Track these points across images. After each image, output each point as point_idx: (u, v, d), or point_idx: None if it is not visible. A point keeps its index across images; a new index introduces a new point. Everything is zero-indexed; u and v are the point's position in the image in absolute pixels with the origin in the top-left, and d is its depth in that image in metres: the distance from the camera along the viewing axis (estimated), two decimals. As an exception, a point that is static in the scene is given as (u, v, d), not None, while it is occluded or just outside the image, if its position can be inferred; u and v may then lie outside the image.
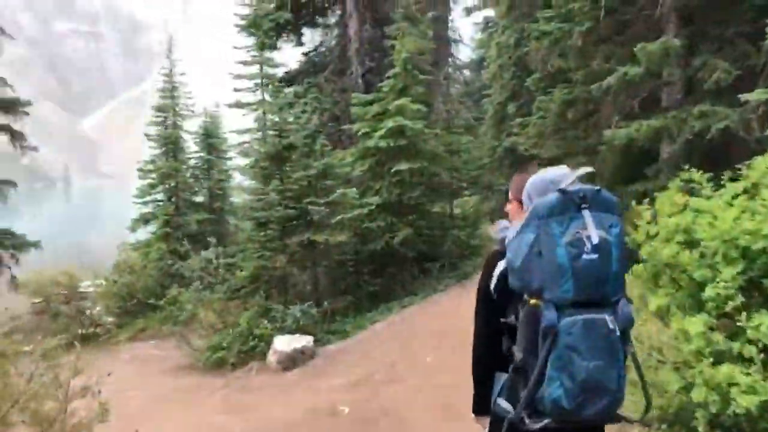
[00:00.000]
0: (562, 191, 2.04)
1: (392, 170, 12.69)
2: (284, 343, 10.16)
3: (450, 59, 24.62)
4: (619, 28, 11.80)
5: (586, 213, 2.00)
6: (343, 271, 12.95)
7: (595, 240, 1.95)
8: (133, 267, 17.52)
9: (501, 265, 2.26)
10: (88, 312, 15.92)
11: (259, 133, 13.18)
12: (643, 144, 9.86)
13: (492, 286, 2.30)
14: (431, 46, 19.36)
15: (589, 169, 2.21)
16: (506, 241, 2.21)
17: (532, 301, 2.01)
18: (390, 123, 12.48)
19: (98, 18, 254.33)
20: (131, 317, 16.55)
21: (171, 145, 18.80)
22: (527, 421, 2.05)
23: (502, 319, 2.25)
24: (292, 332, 10.63)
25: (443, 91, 21.08)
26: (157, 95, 19.37)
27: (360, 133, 13.13)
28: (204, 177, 19.20)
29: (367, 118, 13.15)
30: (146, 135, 18.77)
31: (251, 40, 15.86)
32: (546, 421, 2.01)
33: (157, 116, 18.91)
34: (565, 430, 2.07)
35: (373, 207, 12.34)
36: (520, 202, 2.49)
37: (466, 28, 32.99)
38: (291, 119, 13.13)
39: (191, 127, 19.74)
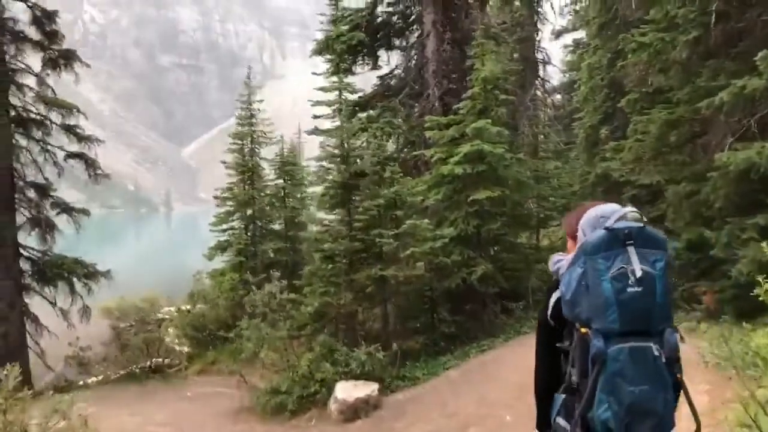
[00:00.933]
0: (608, 229, 2.15)
1: (470, 199, 11.61)
2: (346, 391, 9.23)
3: (537, 82, 23.39)
4: (732, 37, 10.33)
5: (630, 249, 2.11)
6: (415, 309, 11.89)
7: (638, 273, 2.06)
8: (206, 296, 17.22)
9: (555, 295, 2.37)
10: (159, 342, 15.63)
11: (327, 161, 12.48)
12: (765, 169, 8.36)
13: (549, 313, 2.41)
14: (516, 68, 18.29)
15: (634, 209, 2.25)
16: (559, 273, 2.36)
17: (583, 330, 2.15)
18: (467, 147, 11.44)
19: (199, 52, 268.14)
20: (203, 348, 16.18)
21: (248, 172, 18.54)
22: None
23: (558, 344, 2.39)
24: (356, 377, 9.69)
25: (530, 114, 19.91)
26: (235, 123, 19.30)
27: (435, 158, 12.15)
28: (281, 205, 18.79)
29: (443, 143, 12.17)
30: (223, 162, 18.63)
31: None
32: None
33: (235, 143, 18.74)
34: None
35: (448, 240, 11.27)
36: (574, 239, 2.56)
37: (556, 51, 31.85)
38: (364, 145, 12.42)
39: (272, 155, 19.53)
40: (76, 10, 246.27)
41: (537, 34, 23.28)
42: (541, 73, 23.77)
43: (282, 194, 18.61)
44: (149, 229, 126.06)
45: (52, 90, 14.01)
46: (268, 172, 19.21)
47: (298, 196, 20.82)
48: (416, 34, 15.94)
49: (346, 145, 11.29)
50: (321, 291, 10.45)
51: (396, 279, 10.76)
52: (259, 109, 19.32)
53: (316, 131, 16.56)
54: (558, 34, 31.90)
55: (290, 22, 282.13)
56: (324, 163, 12.00)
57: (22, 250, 13.69)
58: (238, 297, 15.72)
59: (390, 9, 15.85)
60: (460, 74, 14.91)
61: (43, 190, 14.18)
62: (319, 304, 10.43)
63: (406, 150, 14.76)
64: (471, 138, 11.71)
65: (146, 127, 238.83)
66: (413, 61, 15.46)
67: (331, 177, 11.22)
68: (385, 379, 9.87)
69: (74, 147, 14.13)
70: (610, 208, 2.34)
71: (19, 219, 13.81)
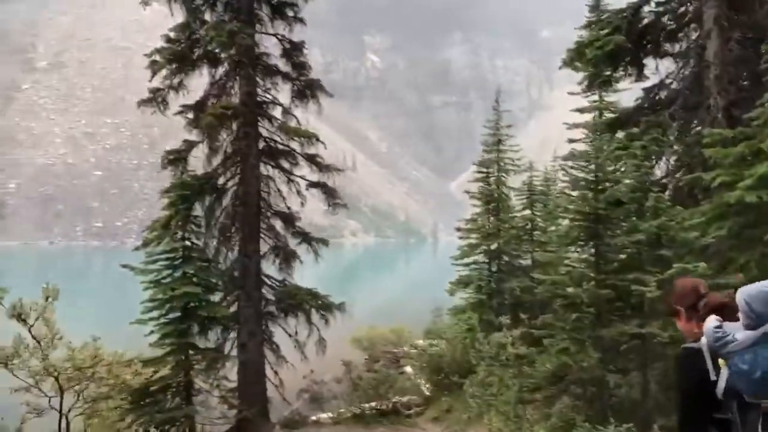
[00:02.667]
0: None
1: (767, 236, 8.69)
2: (586, 483, 7.16)
3: None
4: None
5: None
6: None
7: None
8: (443, 335, 16.14)
9: (725, 370, 2.47)
10: (392, 382, 14.81)
11: (573, 189, 10.54)
12: None
13: (720, 386, 2.48)
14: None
15: None
16: (728, 347, 2.48)
17: None
18: (764, 168, 8.57)
19: (468, 89, 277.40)
20: (440, 393, 15.04)
21: (493, 202, 17.23)
22: None
23: (718, 415, 2.52)
24: (602, 464, 7.53)
25: None
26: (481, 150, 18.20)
27: (717, 183, 9.40)
28: (528, 239, 17.05)
29: (729, 163, 9.38)
30: (467, 192, 17.60)
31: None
32: None
33: (480, 172, 17.59)
34: None
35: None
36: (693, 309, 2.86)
37: None
38: (623, 168, 10.23)
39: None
40: (360, 57, 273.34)
41: None
42: None
43: (529, 226, 16.87)
44: (416, 258, 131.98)
45: (297, 120, 14.23)
46: (516, 203, 17.70)
47: (551, 229, 18.94)
48: (693, 36, 13.08)
49: (595, 168, 9.22)
50: (559, 348, 8.48)
51: (659, 338, 8.33)
52: (507, 135, 17.98)
53: (570, 156, 14.66)
54: None
55: (558, 51, 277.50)
56: (569, 191, 10.06)
57: (265, 279, 13.93)
58: (476, 340, 14.36)
59: (659, 9, 13.21)
60: (753, 79, 11.75)
61: (288, 219, 14.38)
62: (557, 364, 8.45)
63: (678, 174, 11.97)
64: (769, 155, 8.81)
65: (418, 162, 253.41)
66: (689, 67, 12.61)
67: (574, 207, 9.24)
68: (641, 471, 7.55)
69: (315, 176, 14.15)
70: None
71: (264, 247, 14.13)
